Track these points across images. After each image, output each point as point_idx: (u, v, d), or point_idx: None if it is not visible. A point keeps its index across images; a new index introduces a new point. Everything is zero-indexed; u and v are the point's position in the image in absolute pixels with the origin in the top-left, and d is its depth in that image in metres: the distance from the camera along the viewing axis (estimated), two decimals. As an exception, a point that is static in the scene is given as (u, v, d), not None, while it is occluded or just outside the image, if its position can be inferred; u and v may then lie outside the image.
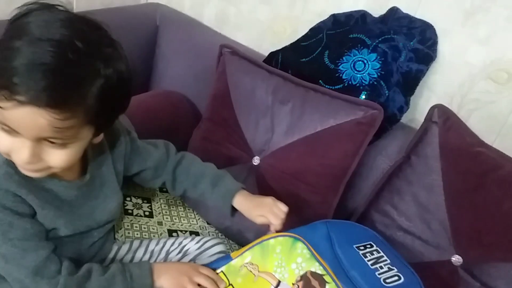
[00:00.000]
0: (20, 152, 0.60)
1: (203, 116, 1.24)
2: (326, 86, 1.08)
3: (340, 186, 1.04)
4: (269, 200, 0.85)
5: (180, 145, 1.25)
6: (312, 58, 1.12)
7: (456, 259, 0.92)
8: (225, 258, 0.83)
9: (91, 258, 0.82)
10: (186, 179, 0.92)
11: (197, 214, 1.19)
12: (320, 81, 1.09)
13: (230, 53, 1.19)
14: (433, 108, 0.99)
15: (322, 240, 0.78)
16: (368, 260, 0.78)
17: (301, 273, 0.74)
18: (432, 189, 0.95)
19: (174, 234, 1.09)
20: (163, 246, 0.91)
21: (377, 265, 0.77)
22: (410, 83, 1.06)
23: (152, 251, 0.91)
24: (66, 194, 0.73)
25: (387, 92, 1.04)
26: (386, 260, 0.79)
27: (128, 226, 1.05)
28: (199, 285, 0.76)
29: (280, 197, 1.05)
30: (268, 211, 0.82)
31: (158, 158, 0.90)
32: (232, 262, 0.80)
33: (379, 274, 0.75)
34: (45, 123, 0.57)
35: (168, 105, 1.32)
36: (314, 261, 0.74)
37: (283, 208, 0.82)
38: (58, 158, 0.62)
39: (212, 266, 0.82)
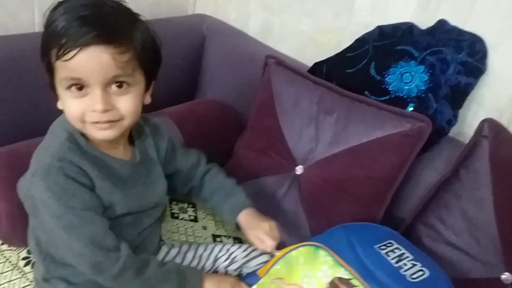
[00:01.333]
0: (93, 105, 0.68)
1: (247, 125, 1.26)
2: (372, 97, 1.08)
3: (386, 198, 1.03)
4: (268, 224, 0.88)
5: (224, 153, 1.27)
6: (358, 69, 1.12)
7: (506, 276, 0.89)
8: (253, 277, 0.83)
9: (139, 247, 0.84)
10: (208, 188, 0.97)
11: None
12: (365, 92, 1.09)
13: (275, 63, 1.20)
14: (483, 122, 0.97)
15: (343, 245, 0.80)
16: (391, 259, 0.79)
17: (328, 280, 0.75)
18: (482, 204, 0.93)
19: (218, 239, 1.10)
20: (211, 252, 0.93)
21: (401, 263, 0.79)
22: (458, 96, 1.05)
23: (201, 256, 0.93)
24: (121, 171, 0.78)
25: (435, 104, 1.03)
26: (408, 257, 0.80)
27: (174, 229, 1.08)
28: None
29: (323, 208, 1.06)
30: (264, 232, 0.86)
31: (192, 163, 0.96)
32: (261, 281, 0.81)
33: (404, 271, 0.77)
34: (108, 58, 0.65)
35: (214, 114, 1.35)
36: (339, 267, 0.76)
37: (277, 235, 0.86)
38: (126, 103, 0.70)
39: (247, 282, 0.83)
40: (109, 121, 0.70)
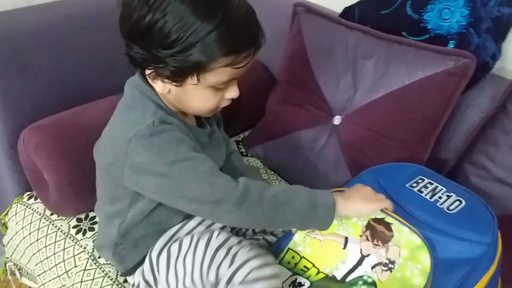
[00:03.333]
0: (232, 93, 0.78)
1: (278, 79, 1.26)
2: (411, 37, 1.07)
3: (431, 141, 1.03)
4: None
5: (257, 111, 1.28)
6: (393, 10, 1.10)
7: (561, 209, 0.90)
8: (287, 235, 0.82)
9: None
10: (238, 164, 1.01)
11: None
12: (403, 33, 1.08)
13: (305, 11, 1.19)
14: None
15: (374, 188, 0.79)
16: (426, 195, 0.80)
17: (364, 223, 0.76)
18: (532, 138, 0.93)
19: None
20: None
21: (436, 197, 0.80)
22: (501, 28, 1.03)
23: None
24: (202, 138, 0.84)
25: (477, 39, 1.01)
26: (442, 189, 0.81)
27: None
28: None
29: (365, 155, 1.07)
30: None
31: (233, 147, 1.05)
32: (295, 238, 0.80)
33: (440, 204, 0.78)
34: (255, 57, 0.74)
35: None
36: None
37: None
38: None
39: (278, 245, 0.83)
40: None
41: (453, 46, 1.02)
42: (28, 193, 1.11)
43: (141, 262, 0.84)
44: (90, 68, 1.12)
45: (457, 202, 0.78)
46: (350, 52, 1.09)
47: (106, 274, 0.93)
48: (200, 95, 0.74)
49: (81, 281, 0.94)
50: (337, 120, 1.12)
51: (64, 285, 0.98)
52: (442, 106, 1.00)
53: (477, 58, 0.97)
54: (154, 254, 0.81)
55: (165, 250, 0.80)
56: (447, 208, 0.77)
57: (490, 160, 0.99)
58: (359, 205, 0.74)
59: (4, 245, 1.12)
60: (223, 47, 0.67)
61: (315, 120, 1.16)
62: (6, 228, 1.11)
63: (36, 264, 1.03)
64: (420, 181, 0.83)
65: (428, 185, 0.82)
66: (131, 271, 0.86)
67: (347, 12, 1.20)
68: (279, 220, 0.72)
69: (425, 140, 1.04)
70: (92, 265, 0.95)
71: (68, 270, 0.99)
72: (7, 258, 1.13)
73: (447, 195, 0.80)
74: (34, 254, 1.04)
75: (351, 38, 1.10)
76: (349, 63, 1.09)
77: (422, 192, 0.80)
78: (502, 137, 0.97)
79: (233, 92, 0.78)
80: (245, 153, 1.29)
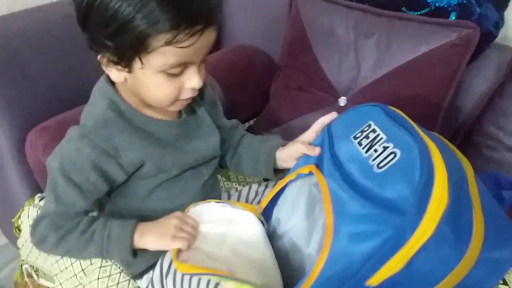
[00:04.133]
0: (191, 81, 0.69)
1: (279, 64, 1.26)
2: (411, 12, 1.06)
3: (438, 115, 1.03)
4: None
5: (262, 98, 1.28)
6: (391, -14, 1.10)
7: None
8: None
9: (207, 197, 0.85)
10: (244, 147, 0.93)
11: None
12: (403, 8, 1.07)
13: (303, -6, 1.18)
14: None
15: (326, 152, 0.72)
16: (363, 148, 0.67)
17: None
18: (542, 104, 0.92)
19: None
20: (266, 187, 0.94)
21: (371, 150, 0.65)
22: (502, -4, 1.02)
23: (256, 191, 0.94)
24: (167, 133, 0.78)
25: (478, 9, 1.01)
26: (381, 139, 0.65)
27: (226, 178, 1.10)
28: None
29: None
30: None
31: (232, 124, 0.95)
32: None
33: (372, 160, 0.63)
34: (213, 37, 0.66)
35: (244, 59, 1.35)
36: None
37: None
38: (203, 72, 0.71)
39: None
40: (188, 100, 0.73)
41: (454, 18, 1.02)
42: (39, 194, 1.12)
43: (149, 268, 0.82)
44: (90, 67, 1.12)
45: (391, 156, 0.61)
46: (351, 32, 1.09)
47: (122, 270, 0.94)
48: (151, 82, 0.68)
49: (98, 278, 0.94)
50: (342, 101, 1.13)
51: (81, 283, 0.99)
52: (447, 79, 1.00)
53: (479, 28, 0.97)
54: (165, 264, 0.78)
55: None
56: (378, 165, 0.62)
57: (500, 130, 0.99)
58: (152, 243, 0.72)
59: (19, 248, 1.13)
60: (158, 20, 0.60)
61: (320, 103, 1.16)
62: (20, 231, 1.13)
63: (52, 264, 1.04)
64: (366, 128, 0.69)
65: (370, 135, 0.67)
66: (138, 276, 0.85)
67: (345, -8, 1.19)
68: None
69: (432, 115, 1.04)
70: (108, 262, 0.96)
71: (84, 268, 0.99)
72: (23, 260, 1.14)
73: (383, 147, 0.64)
74: (48, 256, 1.05)
75: (350, 18, 1.10)
76: (351, 43, 1.09)
77: (361, 144, 0.67)
78: (511, 106, 0.97)
79: (192, 81, 0.69)
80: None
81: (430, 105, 1.02)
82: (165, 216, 0.75)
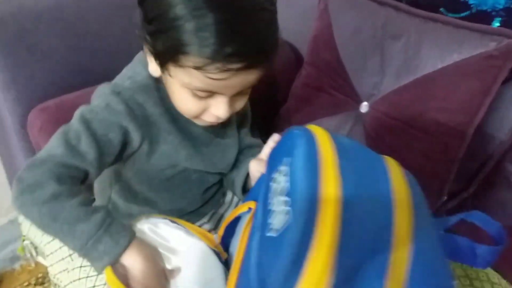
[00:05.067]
0: (218, 109, 0.65)
1: (304, 61, 1.18)
2: (449, 14, 0.94)
3: (466, 134, 0.91)
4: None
5: (284, 96, 1.21)
6: (432, -17, 0.98)
7: None
8: None
9: (206, 203, 0.84)
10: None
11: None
12: (441, 9, 0.95)
13: (333, -14, 1.09)
14: None
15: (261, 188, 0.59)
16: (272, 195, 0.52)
17: None
18: None
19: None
20: None
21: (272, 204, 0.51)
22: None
23: None
24: (194, 127, 0.74)
25: (529, 16, 0.87)
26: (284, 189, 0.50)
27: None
28: None
29: (393, 149, 0.97)
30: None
31: (247, 144, 0.88)
32: None
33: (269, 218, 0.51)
34: (254, 78, 0.61)
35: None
36: None
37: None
38: (241, 104, 0.68)
39: None
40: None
41: (498, 25, 0.89)
42: (42, 173, 1.13)
43: None
44: (99, 49, 1.11)
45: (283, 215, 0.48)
46: (379, 31, 0.99)
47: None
48: (177, 92, 0.65)
49: (81, 266, 0.94)
50: (364, 107, 1.03)
51: (67, 269, 0.99)
52: (479, 94, 0.87)
53: (526, 38, 0.84)
54: None
55: None
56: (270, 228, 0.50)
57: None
58: (137, 263, 0.60)
59: (20, 223, 1.15)
60: (192, 43, 0.56)
61: (339, 106, 1.07)
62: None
63: (45, 245, 1.05)
64: (282, 168, 0.53)
65: (280, 179, 0.53)
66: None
67: (382, -14, 1.09)
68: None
69: (460, 133, 0.91)
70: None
71: (72, 254, 0.99)
72: (24, 236, 1.17)
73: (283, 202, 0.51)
74: (43, 235, 1.06)
75: (380, 15, 0.99)
76: (377, 44, 0.99)
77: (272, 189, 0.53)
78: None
79: (218, 109, 0.65)
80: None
81: (457, 123, 0.90)
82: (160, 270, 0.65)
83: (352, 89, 1.04)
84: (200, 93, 0.62)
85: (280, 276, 0.43)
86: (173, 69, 0.61)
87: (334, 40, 1.06)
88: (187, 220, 0.76)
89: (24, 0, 1.02)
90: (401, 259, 0.46)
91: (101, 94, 0.68)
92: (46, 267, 1.15)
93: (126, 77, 0.71)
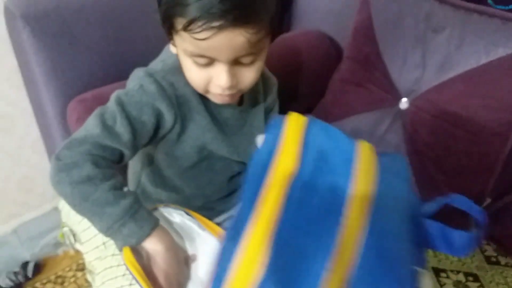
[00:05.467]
0: (219, 78, 0.65)
1: (344, 55, 1.15)
2: (497, 6, 0.89)
3: (510, 134, 0.85)
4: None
5: (319, 89, 1.19)
6: (480, -28, 0.93)
7: None
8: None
9: (232, 193, 0.84)
10: None
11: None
12: (489, 1, 0.90)
13: (375, -24, 1.05)
14: None
15: None
16: None
17: None
18: None
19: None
20: None
21: None
22: None
23: None
24: (223, 111, 0.76)
25: None
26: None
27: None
28: None
29: (432, 148, 0.93)
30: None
31: None
32: None
33: None
34: (243, 40, 0.60)
35: (308, 46, 1.25)
36: None
37: None
38: (251, 74, 0.67)
39: None
40: (229, 96, 0.68)
41: (552, 16, 0.82)
42: (82, 163, 1.17)
43: None
44: (139, 41, 1.13)
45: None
46: (421, 24, 0.95)
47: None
48: (184, 64, 0.67)
49: (113, 255, 0.96)
50: (403, 104, 0.99)
51: (100, 257, 1.02)
52: (527, 91, 0.82)
53: None
54: None
55: None
56: None
57: None
58: (160, 258, 0.62)
59: (60, 210, 1.20)
60: (182, 3, 0.58)
61: (378, 102, 1.04)
62: (63, 195, 1.19)
63: (81, 232, 1.09)
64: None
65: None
66: None
67: (426, -23, 1.04)
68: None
69: (504, 133, 0.86)
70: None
71: (105, 242, 1.01)
72: (64, 222, 1.21)
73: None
74: (79, 223, 1.09)
75: (423, 7, 0.95)
76: (419, 37, 0.95)
77: None
78: None
79: (219, 78, 0.65)
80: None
81: (501, 122, 0.85)
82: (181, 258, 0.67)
83: (391, 84, 1.00)
84: (198, 59, 0.63)
85: (222, 254, 0.46)
86: (174, 38, 0.65)
87: (374, 33, 1.03)
88: (214, 208, 0.76)
89: (69, -7, 1.05)
90: (350, 243, 0.45)
91: (135, 77, 0.71)
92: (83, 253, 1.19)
93: (159, 61, 0.74)
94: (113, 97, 0.69)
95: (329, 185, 0.50)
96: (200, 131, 0.73)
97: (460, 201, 0.51)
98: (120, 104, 0.67)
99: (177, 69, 0.70)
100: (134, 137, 0.67)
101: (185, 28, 0.59)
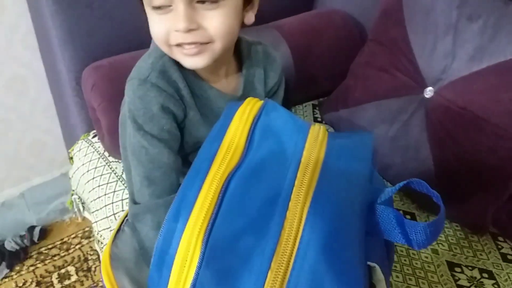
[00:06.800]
0: (176, 23, 0.61)
1: (368, 37, 1.12)
2: (537, -4, 0.85)
3: (541, 131, 0.83)
4: None
5: (339, 74, 1.16)
6: (521, -41, 0.89)
7: None
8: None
9: None
10: None
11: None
12: (527, -10, 0.86)
13: (408, -43, 1.01)
14: None
15: None
16: None
17: None
18: None
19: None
20: None
21: None
22: None
23: None
24: (217, 103, 0.73)
25: None
26: None
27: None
28: None
29: (455, 141, 0.91)
30: None
31: None
32: None
33: None
34: None
35: (331, 26, 1.22)
36: None
37: None
38: (214, 21, 0.62)
39: None
40: (195, 43, 0.63)
41: None
42: (94, 131, 1.16)
43: None
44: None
45: None
46: (454, 10, 0.91)
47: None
48: (149, 20, 0.65)
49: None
50: (428, 92, 0.96)
51: (109, 227, 1.02)
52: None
53: None
54: None
55: None
56: None
57: None
58: None
59: (70, 178, 1.19)
60: None
61: (402, 89, 1.01)
62: (73, 161, 1.19)
63: (91, 201, 1.08)
64: None
65: None
66: None
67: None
68: None
69: (533, 131, 0.84)
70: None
71: (116, 213, 1.01)
72: (73, 190, 1.21)
73: None
74: (90, 192, 1.09)
75: (458, -7, 0.91)
76: (451, 24, 0.92)
77: None
78: None
79: (176, 21, 0.61)
80: (319, 119, 1.19)
81: (532, 118, 0.83)
82: None
83: (417, 71, 0.97)
84: (155, 1, 0.61)
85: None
86: None
87: (403, 17, 0.99)
88: None
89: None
90: (292, 237, 0.44)
91: (132, 90, 0.67)
92: (91, 222, 1.20)
93: (145, 63, 0.69)
94: (129, 123, 0.68)
95: (274, 174, 0.50)
96: (194, 127, 0.72)
97: (418, 184, 0.49)
98: (140, 128, 0.66)
99: (167, 62, 0.68)
100: (170, 149, 0.68)
101: None
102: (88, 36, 1.03)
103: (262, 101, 0.61)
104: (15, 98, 1.30)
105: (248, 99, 0.61)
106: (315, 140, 0.54)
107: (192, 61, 0.65)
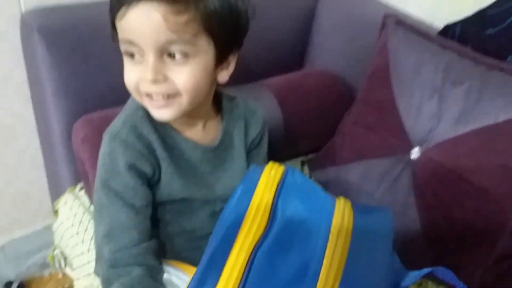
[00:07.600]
0: (145, 73, 0.63)
1: (356, 97, 1.15)
2: (517, 64, 0.89)
3: (526, 195, 0.84)
4: None
5: (328, 133, 1.18)
6: (501, 29, 0.94)
7: None
8: None
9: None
10: None
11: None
12: (509, 57, 0.91)
13: (395, 23, 1.07)
14: None
15: None
16: None
17: None
18: None
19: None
20: None
21: None
22: None
23: None
24: (191, 154, 0.75)
25: None
26: None
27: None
28: None
29: (441, 201, 0.93)
30: None
31: None
32: None
33: None
34: (159, 17, 0.59)
35: (320, 87, 1.26)
36: None
37: None
38: (182, 76, 0.64)
39: None
40: (162, 95, 0.65)
41: None
42: (81, 184, 1.15)
43: None
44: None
45: None
46: (439, 74, 0.95)
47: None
48: (124, 66, 0.68)
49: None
50: (415, 153, 0.99)
51: (91, 285, 0.99)
52: (545, 153, 0.81)
53: None
54: None
55: None
56: None
57: None
58: None
59: (53, 231, 1.17)
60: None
61: (389, 149, 1.03)
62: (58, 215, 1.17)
63: (74, 257, 1.06)
64: None
65: None
66: None
67: (448, 30, 1.05)
68: None
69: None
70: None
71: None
72: (56, 244, 1.18)
73: None
74: (73, 247, 1.07)
75: (442, 59, 0.96)
76: (436, 88, 0.95)
77: None
78: None
79: (144, 71, 0.63)
80: (308, 177, 1.20)
81: (516, 182, 0.84)
82: None
83: (403, 132, 1.00)
84: (126, 48, 0.64)
85: None
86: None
87: (390, 79, 1.03)
88: (200, 247, 0.75)
89: (87, 12, 1.06)
90: None
91: (103, 145, 0.71)
92: (73, 279, 1.16)
93: (121, 114, 0.73)
94: (96, 179, 0.70)
95: (300, 252, 0.50)
96: (168, 181, 0.73)
97: (443, 273, 0.50)
98: (105, 185, 0.69)
99: (140, 117, 0.70)
100: (132, 207, 0.69)
101: (110, 11, 0.64)
102: (82, 89, 1.05)
103: (284, 166, 0.61)
104: (2, 146, 1.29)
105: (270, 163, 0.62)
106: (343, 214, 0.55)
107: (160, 113, 0.67)
